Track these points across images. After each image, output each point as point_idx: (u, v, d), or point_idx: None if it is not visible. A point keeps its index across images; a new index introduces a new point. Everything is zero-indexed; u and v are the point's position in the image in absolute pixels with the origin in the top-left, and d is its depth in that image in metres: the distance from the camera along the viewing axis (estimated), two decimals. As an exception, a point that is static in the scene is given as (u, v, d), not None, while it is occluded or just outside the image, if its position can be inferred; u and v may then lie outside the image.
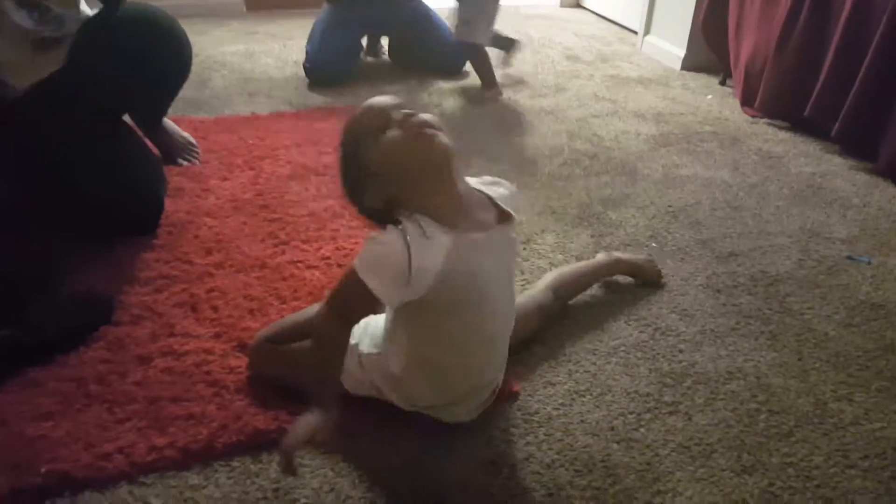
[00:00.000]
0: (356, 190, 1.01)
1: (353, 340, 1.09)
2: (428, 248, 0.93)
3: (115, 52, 1.46)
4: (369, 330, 1.10)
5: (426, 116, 0.97)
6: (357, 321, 1.06)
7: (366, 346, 1.09)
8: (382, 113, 0.98)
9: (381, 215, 0.98)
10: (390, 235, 0.93)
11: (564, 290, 1.37)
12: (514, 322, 1.12)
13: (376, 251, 0.93)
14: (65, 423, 1.07)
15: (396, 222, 0.94)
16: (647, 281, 1.48)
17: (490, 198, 1.03)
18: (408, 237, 0.92)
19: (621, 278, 1.48)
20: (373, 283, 0.92)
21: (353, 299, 0.96)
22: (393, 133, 0.96)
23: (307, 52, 2.51)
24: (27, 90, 1.41)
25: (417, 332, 1.02)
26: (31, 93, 1.41)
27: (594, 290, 1.45)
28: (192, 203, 1.69)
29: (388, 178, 0.96)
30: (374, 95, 1.03)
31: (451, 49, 2.57)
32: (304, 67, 2.52)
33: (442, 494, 1.00)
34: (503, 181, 1.08)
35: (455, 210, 0.97)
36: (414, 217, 0.94)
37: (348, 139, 1.01)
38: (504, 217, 1.03)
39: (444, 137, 0.96)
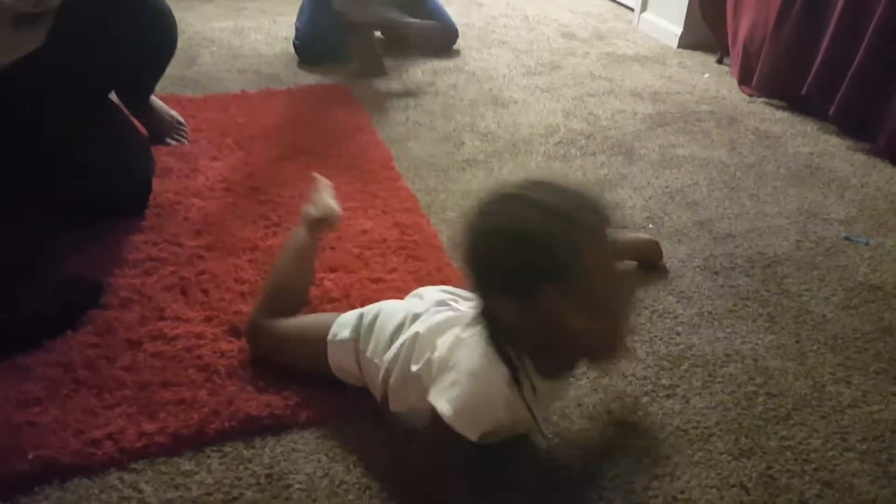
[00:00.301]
0: (492, 281, 0.81)
1: (349, 333, 1.05)
2: (531, 402, 0.88)
3: (98, 28, 1.42)
4: (375, 331, 1.04)
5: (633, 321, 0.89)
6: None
7: (369, 350, 1.03)
8: (605, 254, 0.79)
9: (493, 327, 0.85)
10: (494, 380, 0.84)
11: None
12: None
13: (478, 397, 0.86)
14: (52, 409, 1.05)
15: (503, 349, 0.84)
16: (649, 262, 1.46)
17: None
18: (518, 390, 0.84)
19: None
20: (467, 431, 0.86)
21: (444, 444, 0.90)
22: (595, 324, 0.80)
23: (296, 29, 2.46)
24: (7, 68, 1.37)
25: None
26: (12, 71, 1.37)
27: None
28: (181, 184, 1.66)
29: (548, 329, 0.81)
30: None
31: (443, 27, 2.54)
32: (294, 45, 2.47)
33: (436, 479, 0.98)
34: None
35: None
36: (524, 361, 0.85)
37: (538, 231, 0.77)
38: None
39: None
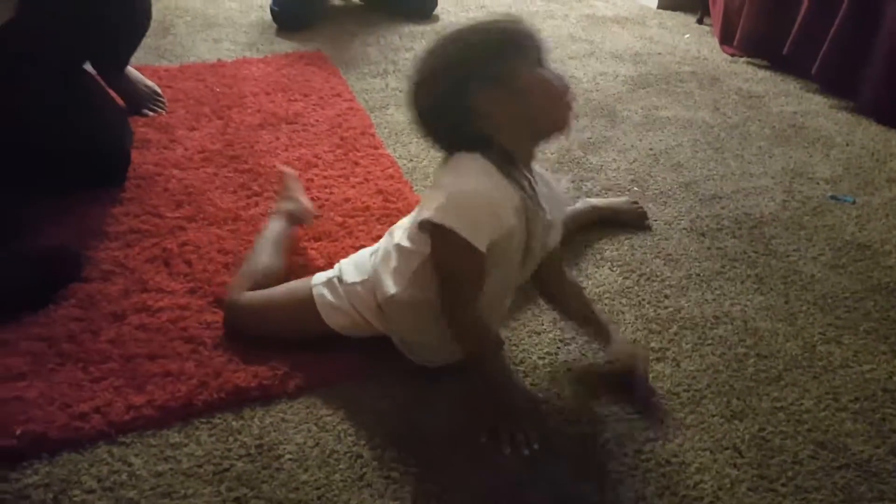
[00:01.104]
0: (443, 105, 0.95)
1: (332, 272, 1.10)
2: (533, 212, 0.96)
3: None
4: (353, 260, 1.11)
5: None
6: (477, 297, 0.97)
7: (350, 276, 1.08)
8: (536, 46, 0.94)
9: (460, 141, 0.95)
10: (471, 166, 0.92)
11: None
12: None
13: (466, 195, 0.90)
14: (38, 384, 1.03)
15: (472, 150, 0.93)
16: (630, 222, 1.45)
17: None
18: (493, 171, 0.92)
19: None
20: (463, 227, 0.88)
21: (458, 271, 0.93)
22: (543, 83, 0.94)
23: (274, -6, 2.40)
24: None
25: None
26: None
27: (576, 236, 1.42)
28: (160, 154, 1.62)
29: (505, 118, 0.93)
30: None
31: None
32: (272, 11, 2.41)
33: (428, 447, 0.98)
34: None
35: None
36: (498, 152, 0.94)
37: (479, 49, 0.95)
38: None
39: None
